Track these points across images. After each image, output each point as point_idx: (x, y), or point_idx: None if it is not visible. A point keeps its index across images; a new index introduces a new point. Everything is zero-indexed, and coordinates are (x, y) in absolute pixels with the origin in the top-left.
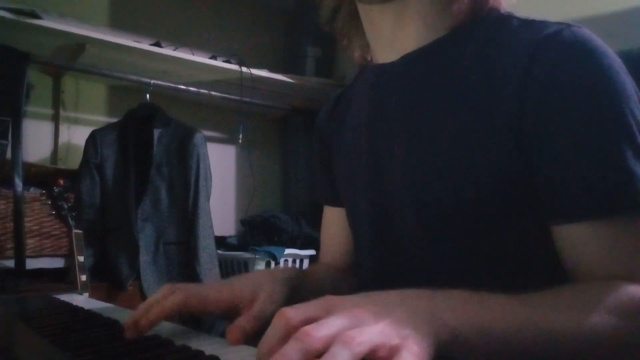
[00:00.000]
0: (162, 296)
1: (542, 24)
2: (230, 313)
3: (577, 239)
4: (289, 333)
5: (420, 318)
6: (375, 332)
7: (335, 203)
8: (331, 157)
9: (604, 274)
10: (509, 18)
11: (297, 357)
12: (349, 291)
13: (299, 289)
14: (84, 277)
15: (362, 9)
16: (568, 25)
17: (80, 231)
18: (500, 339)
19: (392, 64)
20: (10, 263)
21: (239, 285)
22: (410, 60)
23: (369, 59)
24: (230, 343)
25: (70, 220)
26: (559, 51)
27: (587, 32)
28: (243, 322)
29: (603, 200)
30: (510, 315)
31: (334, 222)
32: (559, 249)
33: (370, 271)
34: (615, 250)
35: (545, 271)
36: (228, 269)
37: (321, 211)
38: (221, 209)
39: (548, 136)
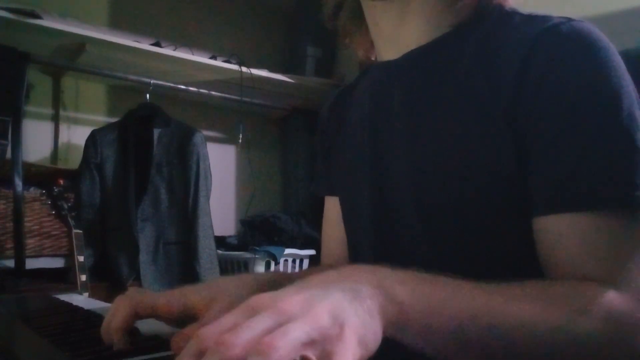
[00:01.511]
0: (112, 315)
1: (543, 19)
2: (184, 321)
3: (555, 231)
4: (204, 349)
5: (363, 293)
6: (303, 327)
7: (336, 192)
8: (332, 152)
9: (577, 271)
10: (511, 14)
11: (244, 342)
12: None
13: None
14: (83, 277)
15: (366, 6)
16: (568, 19)
17: (80, 231)
18: (453, 322)
19: (394, 61)
20: (10, 263)
21: (194, 293)
22: (412, 58)
23: (372, 57)
24: (174, 352)
25: (70, 220)
26: (556, 44)
27: (587, 26)
28: (191, 331)
29: (585, 193)
30: (467, 298)
31: (337, 214)
32: (537, 242)
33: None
34: (592, 248)
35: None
36: (228, 269)
37: (321, 211)
38: (221, 209)
39: (539, 128)
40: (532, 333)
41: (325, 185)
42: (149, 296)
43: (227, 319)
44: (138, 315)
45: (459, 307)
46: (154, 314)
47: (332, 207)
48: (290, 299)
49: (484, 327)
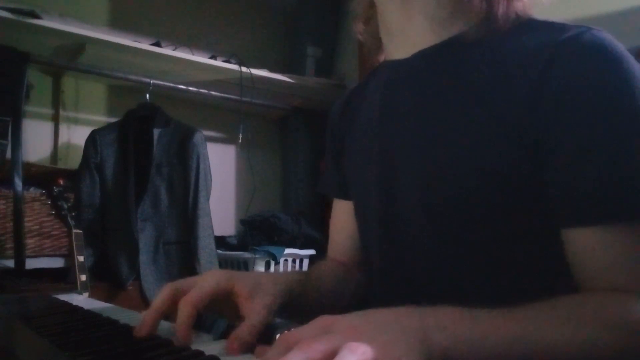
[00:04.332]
0: (164, 303)
1: (561, 27)
2: (227, 300)
3: (585, 244)
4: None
5: (412, 338)
6: (372, 349)
7: (345, 196)
8: (343, 152)
9: (609, 282)
10: (528, 21)
11: None
12: (355, 291)
13: (302, 294)
14: (83, 277)
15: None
16: (588, 28)
17: (80, 231)
18: (491, 355)
19: (404, 60)
20: (10, 263)
21: (240, 279)
22: (423, 57)
23: (381, 56)
24: (229, 353)
25: (70, 220)
26: (578, 55)
27: (607, 36)
28: (244, 333)
29: (614, 206)
30: (502, 330)
31: (344, 215)
32: (567, 252)
33: (378, 267)
34: (623, 258)
35: (551, 273)
36: (228, 268)
37: (321, 211)
38: (221, 209)
39: (563, 138)
40: (568, 353)
41: (334, 187)
42: (206, 285)
43: (307, 330)
44: (201, 307)
45: (496, 340)
46: (210, 302)
47: (341, 209)
48: (359, 327)
49: (522, 354)
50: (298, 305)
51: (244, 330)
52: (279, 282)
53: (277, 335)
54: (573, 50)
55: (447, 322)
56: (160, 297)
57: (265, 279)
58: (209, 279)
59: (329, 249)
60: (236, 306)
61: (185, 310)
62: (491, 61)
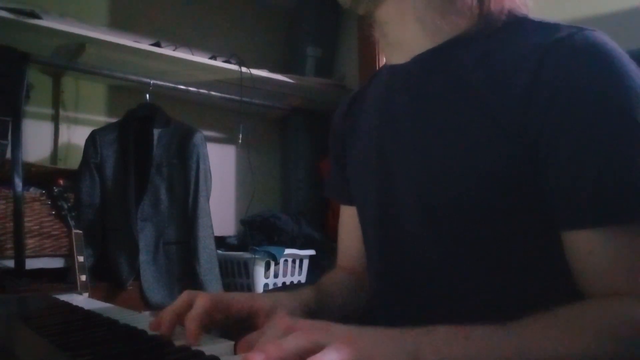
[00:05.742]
0: (181, 305)
1: (554, 27)
2: (248, 320)
3: (582, 246)
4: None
5: (403, 356)
6: (357, 355)
7: (350, 201)
8: (345, 155)
9: (607, 285)
10: (522, 21)
11: (292, 348)
12: (366, 300)
13: (317, 311)
14: (83, 277)
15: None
16: (580, 29)
17: (80, 231)
18: None
19: (402, 65)
20: (10, 263)
21: (259, 296)
22: (419, 62)
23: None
24: (239, 351)
25: (70, 220)
26: (569, 55)
27: (601, 36)
28: (256, 338)
29: (610, 208)
30: (498, 348)
31: (351, 221)
32: (567, 255)
33: (377, 270)
34: (620, 261)
35: (550, 273)
36: (228, 269)
37: (322, 211)
38: (221, 209)
39: (556, 140)
40: None
41: (340, 193)
42: (221, 294)
43: (304, 322)
44: (214, 311)
45: (492, 358)
46: (226, 311)
47: (348, 215)
48: (354, 339)
49: None
50: None
51: (256, 334)
52: (297, 299)
53: None
54: (563, 51)
55: (441, 343)
56: (178, 300)
57: (284, 296)
58: (230, 293)
59: (339, 255)
60: (255, 327)
61: (200, 303)
62: (486, 63)
